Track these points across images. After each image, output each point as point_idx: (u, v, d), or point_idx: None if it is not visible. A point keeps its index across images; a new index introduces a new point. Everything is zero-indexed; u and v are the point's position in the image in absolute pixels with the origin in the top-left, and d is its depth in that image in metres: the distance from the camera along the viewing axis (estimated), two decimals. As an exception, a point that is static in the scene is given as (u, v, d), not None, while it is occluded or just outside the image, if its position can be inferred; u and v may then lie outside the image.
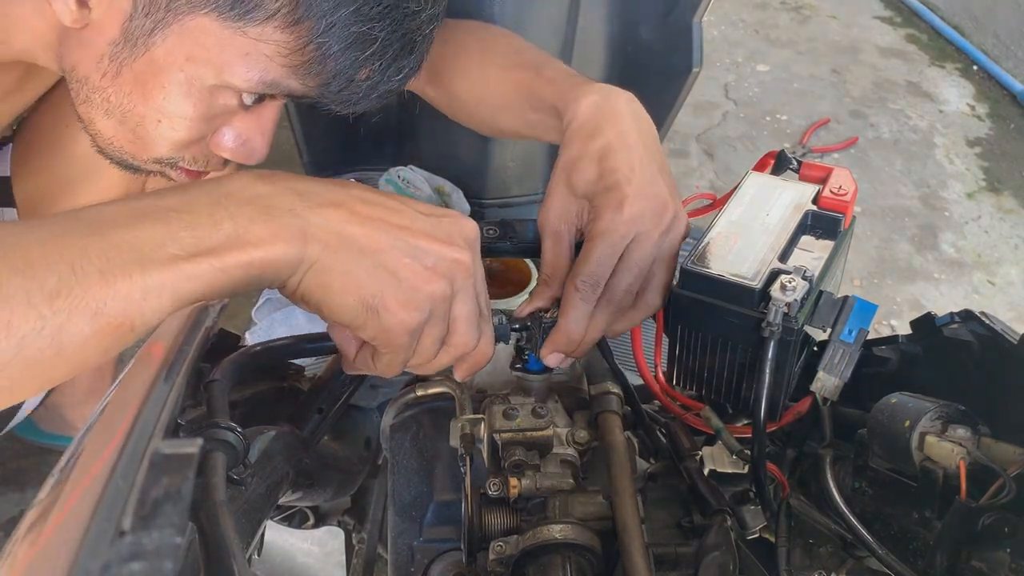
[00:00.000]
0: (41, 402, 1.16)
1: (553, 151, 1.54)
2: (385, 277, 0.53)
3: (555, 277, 0.68)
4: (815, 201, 0.68)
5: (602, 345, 0.72)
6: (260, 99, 0.71)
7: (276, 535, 0.88)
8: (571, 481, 0.62)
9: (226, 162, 0.76)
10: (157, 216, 0.47)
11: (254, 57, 0.64)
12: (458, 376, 0.65)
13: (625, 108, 0.71)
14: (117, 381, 0.48)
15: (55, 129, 1.01)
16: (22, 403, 1.08)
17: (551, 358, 0.66)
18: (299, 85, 0.67)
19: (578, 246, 0.69)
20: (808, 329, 0.64)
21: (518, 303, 0.70)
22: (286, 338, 0.70)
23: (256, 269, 0.49)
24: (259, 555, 0.75)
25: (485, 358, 0.63)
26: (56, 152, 1.00)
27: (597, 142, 0.68)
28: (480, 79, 0.89)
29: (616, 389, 0.69)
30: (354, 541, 0.92)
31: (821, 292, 0.64)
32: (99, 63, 0.66)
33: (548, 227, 0.69)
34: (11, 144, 1.04)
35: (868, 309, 0.63)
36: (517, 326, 0.66)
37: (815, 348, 0.67)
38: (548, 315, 0.66)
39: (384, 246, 0.53)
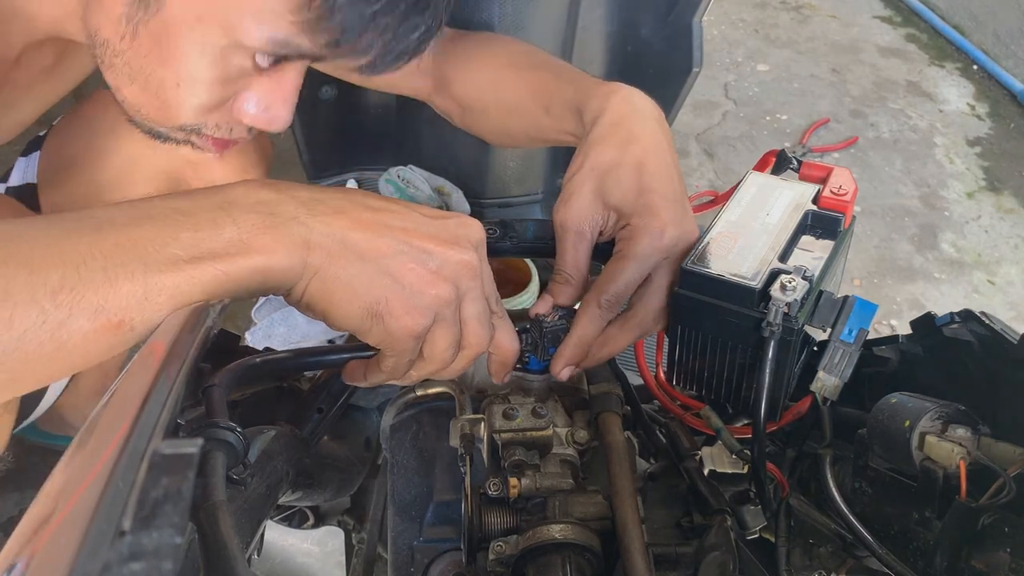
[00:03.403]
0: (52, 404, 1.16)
1: (554, 150, 1.54)
2: (389, 283, 0.53)
3: (577, 277, 0.68)
4: (815, 201, 0.68)
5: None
6: (277, 62, 0.69)
7: (276, 535, 0.88)
8: (571, 481, 0.62)
9: (250, 130, 0.74)
10: (162, 217, 0.48)
11: (264, 14, 0.62)
12: (495, 379, 0.66)
13: (650, 110, 0.71)
14: (117, 381, 0.48)
15: (86, 140, 1.00)
16: (37, 404, 1.08)
17: (564, 371, 0.67)
18: (310, 43, 0.65)
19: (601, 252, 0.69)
20: (808, 329, 0.64)
21: (518, 303, 0.70)
22: (287, 352, 0.70)
23: (259, 275, 0.49)
24: (259, 555, 0.75)
25: (512, 353, 0.64)
26: (86, 164, 1.00)
27: (633, 149, 0.67)
28: (491, 83, 0.88)
29: (616, 389, 0.69)
30: (354, 541, 0.92)
31: (821, 292, 0.64)
32: (117, 25, 0.65)
33: (570, 225, 0.68)
34: (39, 152, 1.04)
35: (868, 309, 0.63)
36: (518, 328, 0.66)
37: (815, 348, 0.67)
38: (550, 319, 0.66)
39: (387, 251, 0.53)
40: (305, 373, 0.77)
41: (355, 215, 0.53)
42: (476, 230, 0.59)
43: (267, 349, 0.68)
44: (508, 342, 0.63)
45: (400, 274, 0.54)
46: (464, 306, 0.57)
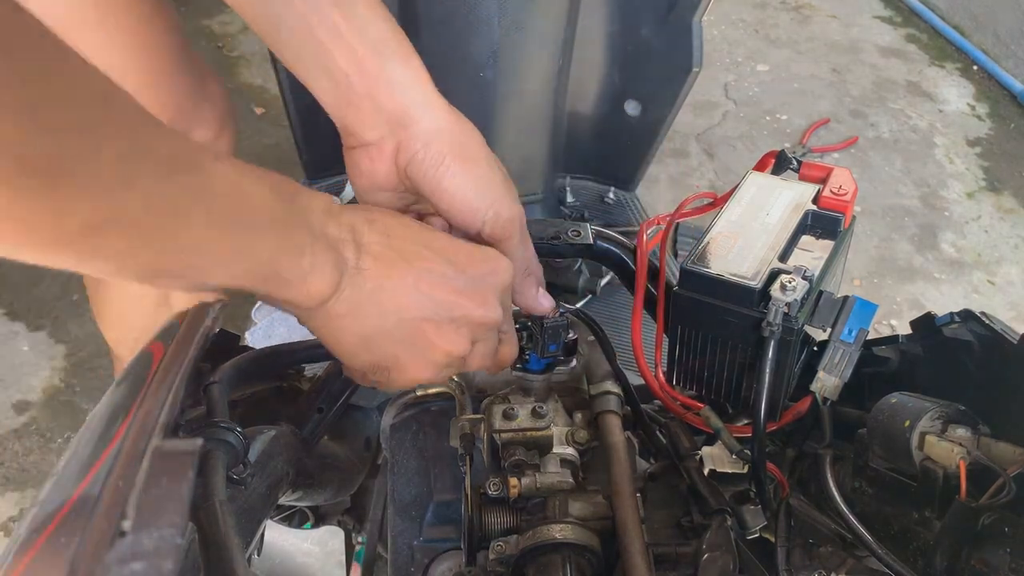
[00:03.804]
0: None
1: (554, 150, 1.54)
2: (403, 341, 0.54)
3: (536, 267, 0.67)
4: (815, 201, 0.68)
5: (604, 345, 0.72)
6: None
7: (276, 535, 0.88)
8: (571, 481, 0.62)
9: None
10: (260, 224, 0.46)
11: None
12: (488, 372, 0.66)
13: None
14: (116, 381, 0.48)
15: None
16: None
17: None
18: None
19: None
20: (808, 329, 0.64)
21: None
22: (288, 344, 0.70)
23: (291, 306, 0.50)
24: (259, 555, 0.75)
25: (511, 360, 0.65)
26: None
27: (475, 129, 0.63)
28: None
29: (616, 389, 0.69)
30: (354, 541, 0.92)
31: (821, 292, 0.64)
32: None
33: (518, 220, 0.62)
34: None
35: (868, 309, 0.63)
36: (518, 326, 0.67)
37: (815, 348, 0.67)
38: (551, 315, 0.67)
39: (412, 309, 0.53)
40: (305, 373, 0.77)
41: (390, 261, 0.52)
42: (505, 274, 0.58)
43: (267, 349, 0.68)
44: (510, 353, 0.64)
45: (419, 332, 0.54)
46: (475, 347, 0.58)
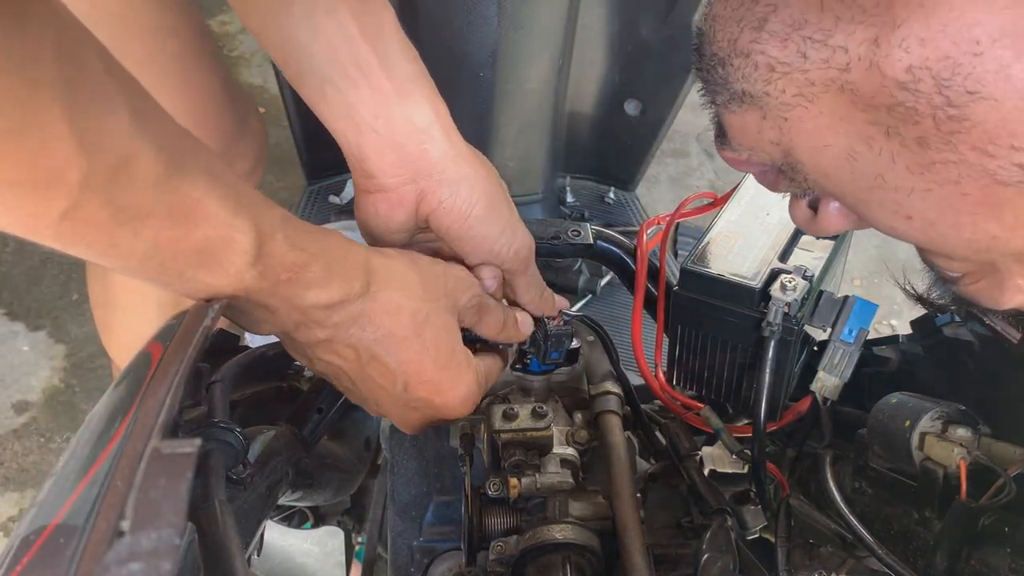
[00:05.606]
0: None
1: (554, 150, 1.54)
2: (371, 407, 0.58)
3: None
4: (815, 201, 0.68)
5: (605, 345, 0.72)
6: None
7: (276, 535, 0.88)
8: (571, 481, 0.62)
9: None
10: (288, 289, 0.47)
11: None
12: None
13: None
14: (115, 381, 0.48)
15: None
16: None
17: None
18: None
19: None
20: (808, 329, 0.64)
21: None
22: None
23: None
24: (259, 555, 0.75)
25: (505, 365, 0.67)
26: None
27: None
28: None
29: (616, 389, 0.69)
30: (354, 541, 0.92)
31: (821, 292, 0.64)
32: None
33: (527, 251, 0.64)
34: None
35: (868, 309, 0.63)
36: None
37: (815, 348, 0.67)
38: (555, 321, 0.67)
39: (382, 399, 0.57)
40: (305, 373, 0.77)
41: (349, 357, 0.54)
42: (451, 411, 0.59)
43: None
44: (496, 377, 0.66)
45: (389, 412, 0.58)
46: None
